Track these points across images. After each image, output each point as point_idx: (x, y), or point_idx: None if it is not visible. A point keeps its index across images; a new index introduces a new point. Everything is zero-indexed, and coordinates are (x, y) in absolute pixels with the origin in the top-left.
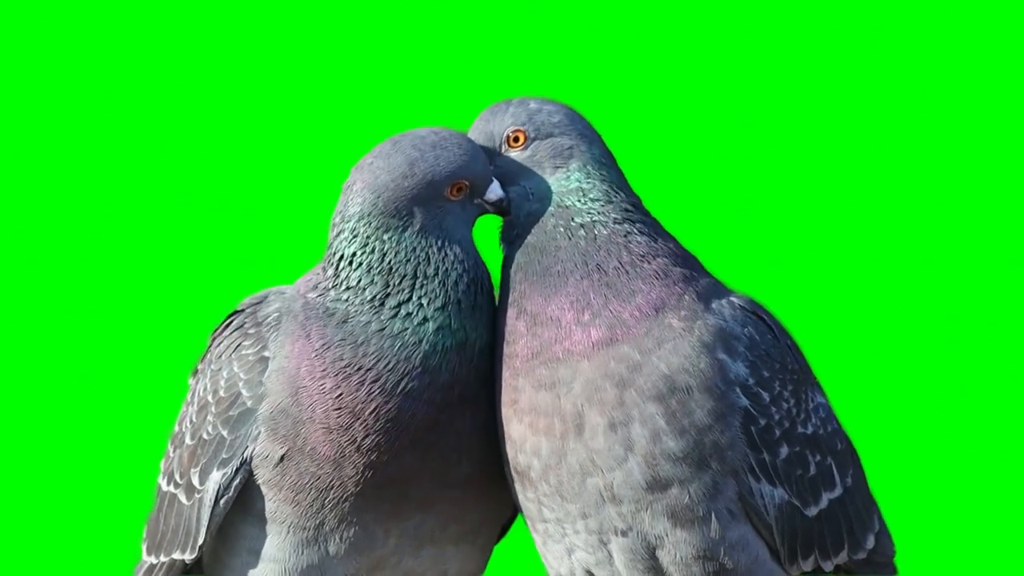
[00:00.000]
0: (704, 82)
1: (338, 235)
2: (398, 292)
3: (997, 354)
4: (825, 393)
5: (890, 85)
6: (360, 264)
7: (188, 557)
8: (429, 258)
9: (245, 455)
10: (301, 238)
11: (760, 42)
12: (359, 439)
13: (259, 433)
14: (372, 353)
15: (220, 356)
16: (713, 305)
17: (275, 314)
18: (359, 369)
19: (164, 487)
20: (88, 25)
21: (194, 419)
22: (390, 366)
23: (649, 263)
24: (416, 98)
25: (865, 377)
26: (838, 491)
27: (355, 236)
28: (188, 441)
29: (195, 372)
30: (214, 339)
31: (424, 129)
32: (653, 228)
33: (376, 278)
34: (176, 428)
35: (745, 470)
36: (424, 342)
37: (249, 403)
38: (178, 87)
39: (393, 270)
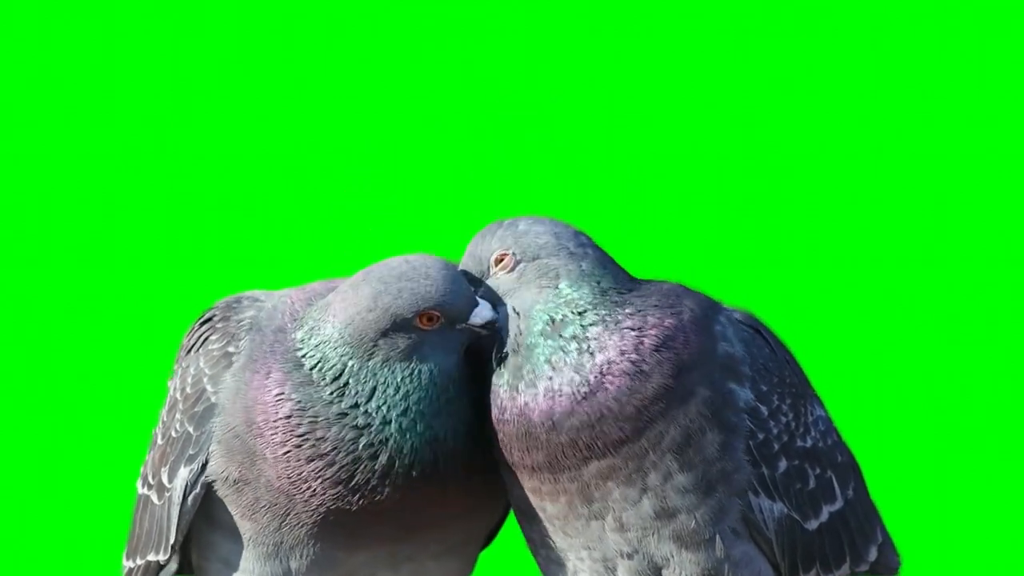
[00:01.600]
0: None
1: (305, 339)
2: (356, 395)
3: (998, 358)
4: (825, 406)
5: (869, 122)
6: (323, 374)
7: (162, 558)
8: (389, 382)
9: (211, 451)
10: (290, 247)
11: (749, 69)
12: (308, 496)
13: (215, 451)
14: (329, 439)
15: (188, 353)
16: (715, 329)
17: (248, 321)
18: (312, 446)
19: (140, 490)
20: (88, 26)
21: (165, 419)
22: (347, 460)
23: (645, 333)
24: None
25: (871, 390)
26: (839, 504)
27: (318, 353)
28: (159, 441)
29: (172, 377)
30: (185, 338)
31: (398, 259)
32: (635, 295)
33: (337, 385)
34: (154, 432)
35: (747, 487)
36: (390, 441)
37: (213, 398)
38: (172, 105)
39: (348, 386)
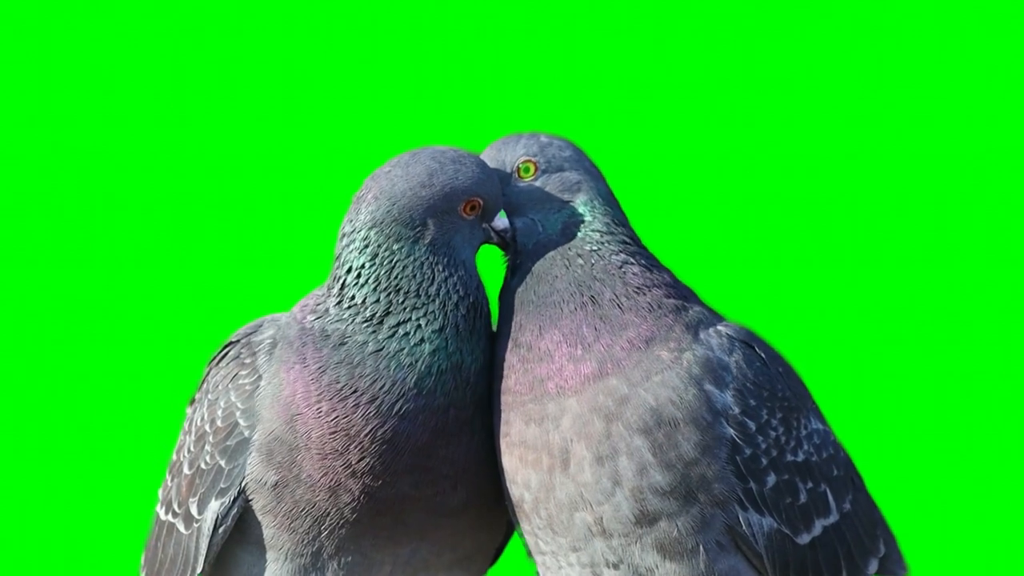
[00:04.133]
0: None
1: (347, 245)
2: (399, 311)
3: (1003, 361)
4: (824, 419)
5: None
6: (367, 280)
7: None
8: (434, 276)
9: (242, 484)
10: (298, 264)
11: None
12: (354, 463)
13: (253, 459)
14: (368, 375)
15: (217, 386)
16: (701, 335)
17: (269, 340)
18: (355, 391)
19: (163, 516)
20: (91, 30)
21: (192, 449)
22: (385, 387)
23: (643, 295)
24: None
25: (879, 397)
26: (833, 517)
27: (366, 245)
28: (186, 471)
29: (192, 401)
30: (210, 369)
31: (443, 146)
32: (649, 260)
33: (381, 296)
34: (174, 457)
35: (732, 500)
36: (420, 363)
37: (246, 432)
38: (175, 121)
39: (399, 287)
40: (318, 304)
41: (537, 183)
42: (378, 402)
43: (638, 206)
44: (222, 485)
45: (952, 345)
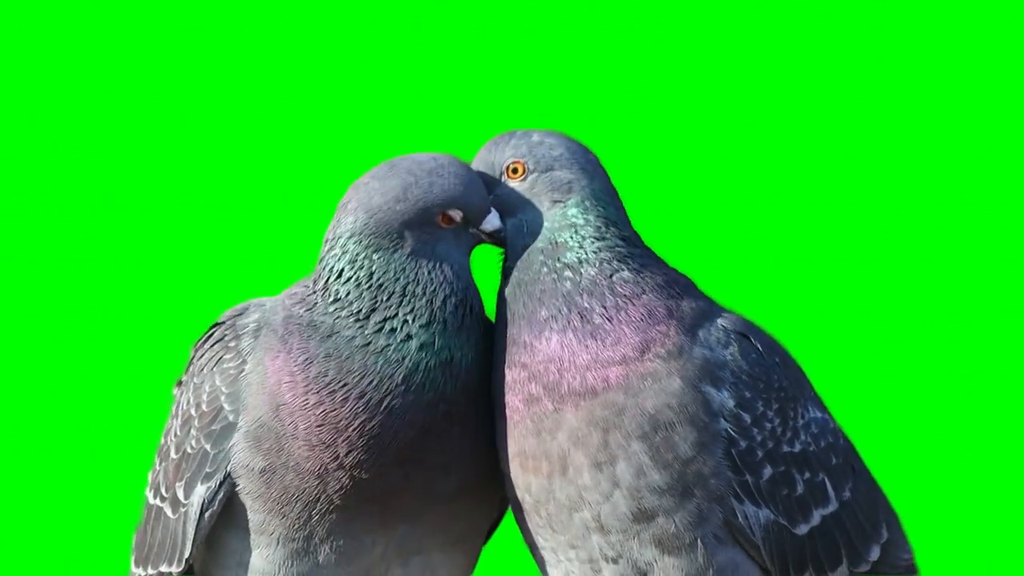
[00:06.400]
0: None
1: (329, 251)
2: (385, 308)
3: (1004, 355)
4: (824, 407)
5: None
6: (348, 279)
7: (175, 570)
8: (418, 279)
9: (228, 468)
10: (288, 249)
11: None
12: (341, 455)
13: (239, 445)
14: (356, 370)
15: (202, 369)
16: (700, 333)
17: (254, 325)
18: (343, 385)
19: (151, 500)
20: (89, 28)
21: (178, 433)
22: (374, 383)
23: (634, 304)
24: (420, 116)
25: (883, 389)
26: (832, 506)
27: (345, 253)
28: (173, 455)
29: (179, 383)
30: (196, 351)
31: (424, 154)
32: (642, 260)
33: (364, 293)
34: (162, 441)
35: (729, 494)
36: (407, 359)
37: (231, 417)
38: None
39: (382, 287)
40: (306, 296)
41: (526, 184)
42: (366, 398)
43: (640, 201)
44: (207, 469)
45: (954, 333)
